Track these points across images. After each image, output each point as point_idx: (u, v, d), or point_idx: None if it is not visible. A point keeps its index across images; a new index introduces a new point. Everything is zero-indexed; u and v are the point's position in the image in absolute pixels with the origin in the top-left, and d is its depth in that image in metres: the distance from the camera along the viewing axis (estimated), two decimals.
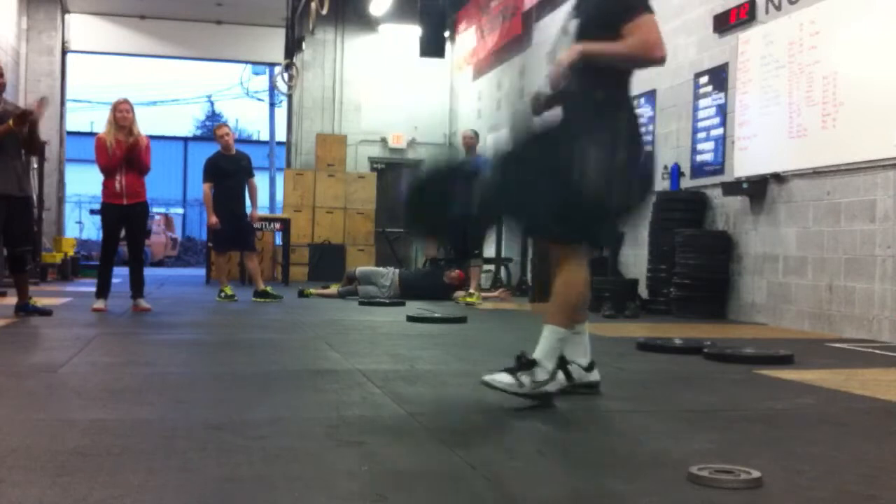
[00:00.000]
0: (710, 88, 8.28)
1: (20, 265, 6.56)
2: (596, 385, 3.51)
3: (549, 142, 3.25)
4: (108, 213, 7.23)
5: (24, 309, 6.49)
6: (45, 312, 6.57)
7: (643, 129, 3.19)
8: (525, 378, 3.13)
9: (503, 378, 3.14)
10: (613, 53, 3.28)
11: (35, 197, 9.37)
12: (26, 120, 6.29)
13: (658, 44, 3.26)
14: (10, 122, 6.23)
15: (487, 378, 3.16)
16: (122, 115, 7.17)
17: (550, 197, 3.14)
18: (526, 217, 3.35)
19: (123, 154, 7.10)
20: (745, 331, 6.64)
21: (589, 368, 3.49)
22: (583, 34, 3.37)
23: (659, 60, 3.29)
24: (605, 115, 3.26)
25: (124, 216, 7.21)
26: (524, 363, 3.16)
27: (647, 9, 3.30)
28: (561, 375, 3.24)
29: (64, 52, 15.49)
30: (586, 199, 3.12)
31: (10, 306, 6.75)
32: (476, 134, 10.22)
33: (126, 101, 7.31)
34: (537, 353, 3.18)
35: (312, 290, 10.00)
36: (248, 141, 34.51)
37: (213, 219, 9.06)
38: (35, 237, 9.40)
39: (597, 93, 3.30)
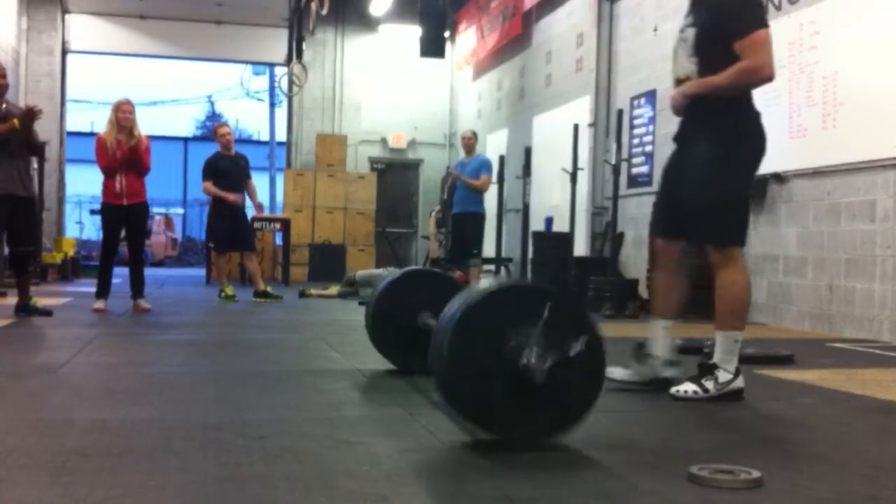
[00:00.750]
0: None
1: (23, 265, 6.57)
2: (672, 381, 3.58)
3: (697, 167, 3.48)
4: (109, 214, 7.22)
5: (24, 309, 6.49)
6: (46, 313, 6.57)
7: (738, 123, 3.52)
8: (709, 383, 3.38)
9: (688, 387, 3.41)
10: (720, 88, 3.41)
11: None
12: (32, 119, 6.30)
13: (767, 64, 3.35)
14: (14, 121, 6.24)
15: (673, 391, 3.42)
16: (124, 115, 7.15)
17: (710, 210, 3.43)
18: (694, 230, 3.56)
19: (124, 156, 7.10)
20: (746, 331, 6.63)
21: (668, 365, 3.61)
22: (699, 48, 3.48)
23: (767, 81, 3.40)
24: (738, 130, 3.45)
25: (124, 216, 7.20)
26: (706, 368, 3.41)
27: (761, 24, 3.38)
28: (723, 375, 3.42)
29: (64, 52, 15.48)
30: (740, 206, 3.48)
31: (10, 306, 6.75)
32: (474, 134, 10.22)
33: (128, 102, 7.28)
34: (716, 358, 3.42)
35: (312, 291, 10.00)
36: (248, 141, 34.48)
37: (231, 196, 9.05)
38: (37, 238, 9.42)
39: (723, 119, 3.45)
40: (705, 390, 3.37)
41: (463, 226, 9.81)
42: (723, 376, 3.39)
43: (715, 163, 3.42)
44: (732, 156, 3.42)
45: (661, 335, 3.63)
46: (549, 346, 2.47)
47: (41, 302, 6.83)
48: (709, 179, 3.42)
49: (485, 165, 9.83)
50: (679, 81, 3.57)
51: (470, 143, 10.03)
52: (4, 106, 6.39)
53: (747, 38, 3.34)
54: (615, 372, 3.51)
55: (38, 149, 6.55)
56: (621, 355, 4.94)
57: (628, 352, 3.65)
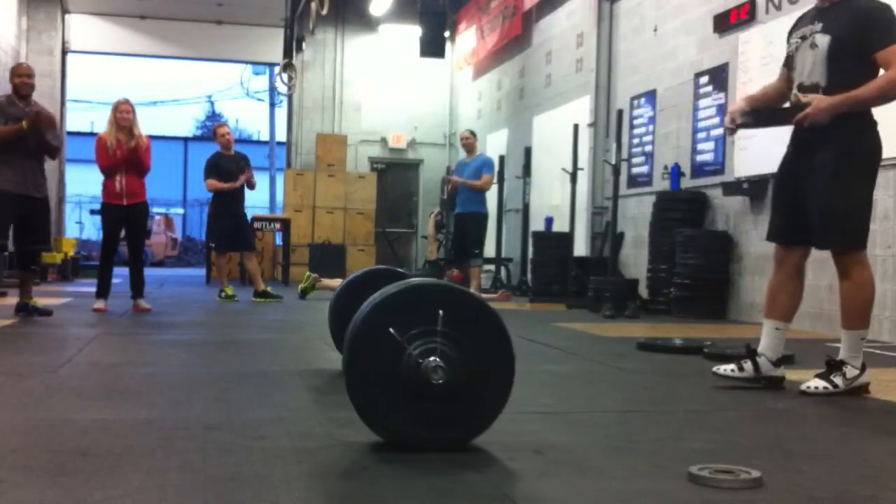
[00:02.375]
0: (710, 88, 8.28)
1: (29, 262, 6.63)
2: (780, 381, 3.74)
3: (837, 175, 3.55)
4: (108, 214, 7.23)
5: (24, 309, 6.50)
6: (46, 313, 6.58)
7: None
8: (837, 379, 3.53)
9: (818, 383, 3.56)
10: (869, 101, 3.50)
11: None
12: (38, 123, 6.34)
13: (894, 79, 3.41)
14: (23, 123, 6.27)
15: (804, 387, 3.57)
16: (122, 115, 7.16)
17: (848, 217, 3.57)
18: (827, 236, 3.63)
19: (124, 156, 7.10)
20: (746, 331, 6.64)
21: (777, 364, 3.74)
22: (835, 59, 3.52)
23: (893, 98, 3.49)
24: (868, 138, 3.57)
25: (124, 216, 7.20)
26: (833, 365, 3.56)
27: None
28: (768, 367, 3.68)
29: (64, 52, 15.48)
30: (870, 211, 3.62)
31: (10, 306, 6.75)
32: (473, 133, 10.21)
33: (127, 102, 7.30)
34: (843, 354, 3.58)
35: (313, 276, 9.49)
36: (248, 141, 34.48)
37: (241, 179, 9.00)
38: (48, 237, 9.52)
39: (856, 127, 3.55)
40: (835, 386, 3.52)
41: (465, 226, 9.80)
42: (850, 372, 3.55)
43: (851, 171, 3.54)
44: (864, 163, 3.56)
45: (772, 336, 3.75)
46: (450, 349, 2.41)
47: (41, 302, 6.83)
48: (847, 187, 3.52)
49: (486, 165, 9.81)
50: (803, 87, 3.62)
51: (469, 142, 10.03)
52: (30, 107, 6.50)
53: (891, 49, 3.41)
54: (723, 368, 3.71)
55: (51, 151, 6.61)
56: (621, 355, 4.96)
57: (740, 351, 3.81)
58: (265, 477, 2.17)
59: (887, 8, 3.54)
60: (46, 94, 14.68)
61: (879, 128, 3.62)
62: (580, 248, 10.29)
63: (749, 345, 3.72)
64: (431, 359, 2.39)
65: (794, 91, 3.68)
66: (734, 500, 2.07)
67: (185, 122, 39.57)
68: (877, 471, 2.45)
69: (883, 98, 3.47)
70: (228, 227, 9.08)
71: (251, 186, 9.23)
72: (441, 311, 2.41)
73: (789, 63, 3.77)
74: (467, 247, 9.72)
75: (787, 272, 3.75)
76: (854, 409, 3.38)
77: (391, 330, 2.41)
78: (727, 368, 3.72)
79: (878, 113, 3.62)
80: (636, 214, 9.53)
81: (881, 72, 3.47)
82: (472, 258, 9.71)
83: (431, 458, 2.37)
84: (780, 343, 3.76)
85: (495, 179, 10.61)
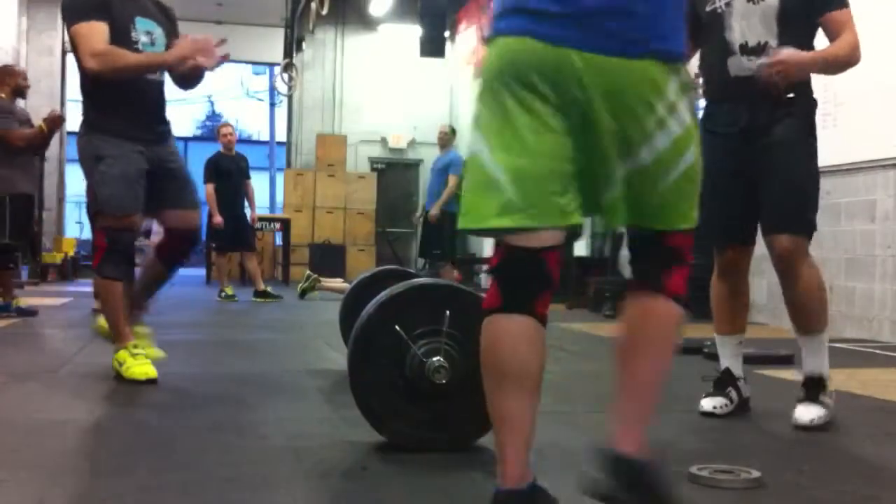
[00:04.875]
0: None
1: (5, 260, 6.46)
2: (747, 400, 3.30)
3: (800, 160, 3.10)
4: None
5: (6, 309, 6.32)
6: (30, 313, 6.41)
7: None
8: (827, 398, 3.04)
9: (815, 413, 2.97)
10: (835, 62, 3.07)
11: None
12: (57, 126, 6.51)
13: (859, 44, 3.03)
14: (42, 124, 6.34)
15: (806, 421, 2.94)
16: None
17: (810, 202, 3.09)
18: (788, 224, 3.06)
19: None
20: (746, 331, 6.63)
21: (745, 382, 3.31)
22: (786, 16, 3.02)
23: (857, 62, 3.07)
24: (810, 113, 3.13)
25: None
26: (813, 384, 3.06)
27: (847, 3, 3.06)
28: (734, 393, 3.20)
29: (64, 52, 15.47)
30: (814, 193, 3.11)
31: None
32: (450, 129, 10.11)
33: None
34: (814, 366, 3.12)
35: (313, 276, 9.21)
36: (248, 141, 34.40)
37: (218, 218, 9.01)
38: (35, 236, 9.47)
39: (808, 103, 3.13)
40: (828, 407, 3.01)
41: (435, 224, 9.58)
42: (830, 385, 3.11)
43: (813, 154, 3.13)
44: (814, 142, 3.13)
45: (737, 353, 3.32)
46: (454, 349, 2.41)
47: (42, 302, 6.82)
48: (812, 171, 3.11)
49: (452, 164, 9.47)
50: (747, 49, 3.09)
51: (442, 138, 9.91)
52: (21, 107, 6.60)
53: (846, 10, 3.02)
54: (707, 404, 3.19)
55: (41, 149, 6.69)
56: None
57: (710, 381, 3.30)
58: (265, 477, 2.17)
59: None
60: (46, 94, 14.69)
61: (878, 128, 3.53)
62: (580, 248, 10.29)
63: (726, 370, 3.26)
64: (435, 359, 2.39)
65: (738, 54, 3.15)
66: (734, 500, 2.07)
67: (185, 122, 39.54)
68: (877, 471, 2.45)
69: (850, 62, 3.05)
70: (228, 227, 9.08)
71: None
72: (448, 312, 2.41)
73: (715, 23, 3.22)
74: (444, 245, 9.55)
75: (736, 277, 3.28)
76: (854, 409, 3.38)
77: (397, 327, 2.41)
78: (715, 406, 3.18)
79: (877, 112, 3.55)
80: None
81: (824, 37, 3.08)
82: (439, 260, 9.59)
83: (433, 458, 2.37)
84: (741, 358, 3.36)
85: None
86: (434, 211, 9.49)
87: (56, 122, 6.40)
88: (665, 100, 1.68)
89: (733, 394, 3.20)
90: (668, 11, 1.69)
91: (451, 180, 9.45)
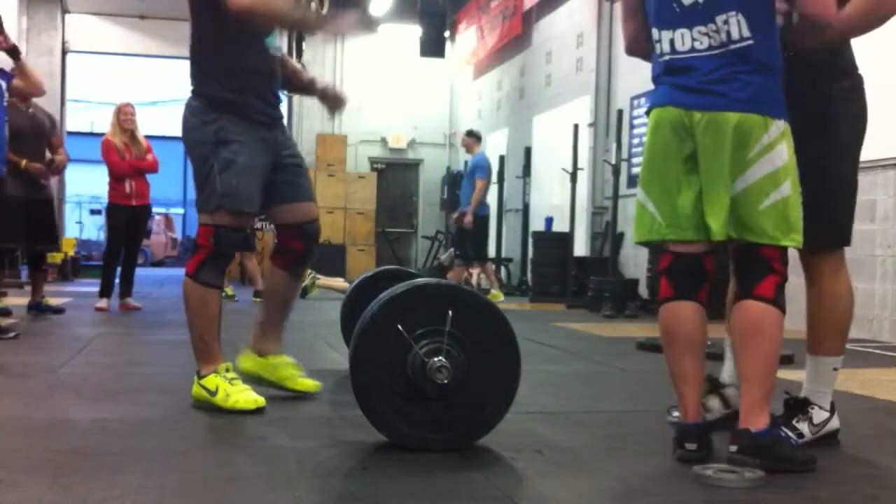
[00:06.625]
0: None
1: (39, 262, 6.90)
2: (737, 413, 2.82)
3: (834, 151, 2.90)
4: (117, 214, 7.39)
5: (37, 307, 6.67)
6: (58, 311, 6.81)
7: None
8: (803, 425, 2.60)
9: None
10: (857, 25, 2.65)
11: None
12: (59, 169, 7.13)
13: None
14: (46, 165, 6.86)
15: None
16: (126, 118, 7.40)
17: (846, 206, 2.78)
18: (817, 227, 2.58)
19: (138, 165, 7.38)
20: None
21: (736, 389, 2.76)
22: None
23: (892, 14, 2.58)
24: (858, 96, 2.89)
25: (131, 217, 7.39)
26: (795, 405, 2.66)
27: None
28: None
29: (64, 52, 15.47)
30: (851, 198, 2.81)
31: (10, 306, 6.74)
32: (469, 133, 10.13)
33: (129, 105, 7.54)
34: (807, 389, 2.70)
35: (313, 275, 9.32)
36: None
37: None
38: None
39: (847, 80, 2.89)
40: (799, 435, 2.56)
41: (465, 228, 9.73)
42: (818, 415, 2.63)
43: (852, 144, 2.88)
44: (856, 130, 2.87)
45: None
46: (456, 349, 2.41)
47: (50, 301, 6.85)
48: (847, 169, 2.84)
49: (477, 168, 9.62)
50: None
51: (464, 143, 10.04)
52: (31, 110, 6.78)
53: None
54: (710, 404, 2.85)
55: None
56: (621, 355, 4.96)
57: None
58: (265, 477, 2.17)
59: None
60: (47, 93, 14.69)
61: (878, 128, 3.45)
62: (580, 248, 10.29)
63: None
64: (437, 358, 2.39)
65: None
66: (737, 500, 2.07)
67: None
68: (877, 471, 2.45)
69: (878, 20, 2.64)
70: None
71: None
72: (450, 312, 2.41)
73: None
74: (475, 247, 9.67)
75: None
76: (854, 410, 3.38)
77: (399, 327, 2.41)
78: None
79: (877, 113, 3.49)
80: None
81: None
82: (475, 258, 9.68)
83: (433, 458, 2.37)
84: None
85: (495, 179, 10.53)
86: (468, 219, 9.54)
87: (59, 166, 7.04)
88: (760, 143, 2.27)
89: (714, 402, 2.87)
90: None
91: (478, 184, 9.53)
